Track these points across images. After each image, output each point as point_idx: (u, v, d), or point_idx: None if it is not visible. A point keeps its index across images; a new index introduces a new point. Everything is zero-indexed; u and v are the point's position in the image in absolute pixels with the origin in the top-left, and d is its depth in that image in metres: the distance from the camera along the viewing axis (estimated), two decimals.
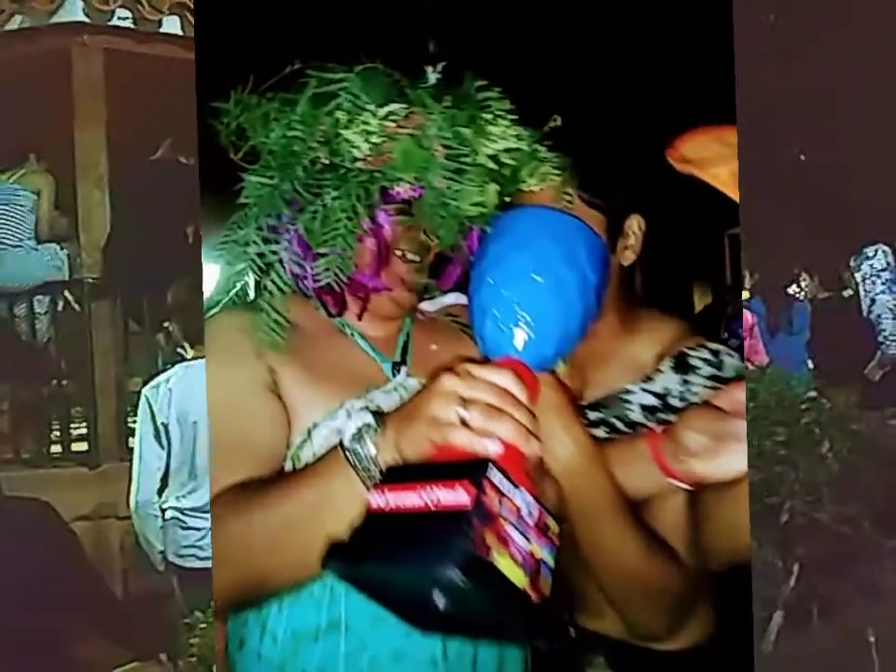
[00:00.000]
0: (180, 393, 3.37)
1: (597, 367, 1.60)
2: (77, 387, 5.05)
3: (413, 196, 1.43)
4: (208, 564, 3.01)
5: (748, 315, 5.02)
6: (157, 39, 5.07)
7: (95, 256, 4.99)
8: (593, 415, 1.56)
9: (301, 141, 1.42)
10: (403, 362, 1.53)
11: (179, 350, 3.83)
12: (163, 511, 3.42)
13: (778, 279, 5.82)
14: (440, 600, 1.05)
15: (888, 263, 5.67)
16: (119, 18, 4.98)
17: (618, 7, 1.75)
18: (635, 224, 1.60)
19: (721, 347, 1.58)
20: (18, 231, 5.04)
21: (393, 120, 1.41)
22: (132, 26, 5.03)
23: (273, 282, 1.43)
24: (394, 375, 1.51)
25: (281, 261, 1.45)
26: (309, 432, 1.42)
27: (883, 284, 5.62)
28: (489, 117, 1.43)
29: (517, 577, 1.09)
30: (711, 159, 1.88)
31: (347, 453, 1.24)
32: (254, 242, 1.42)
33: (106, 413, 4.87)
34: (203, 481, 3.31)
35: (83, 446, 4.85)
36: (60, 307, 5.08)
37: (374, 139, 1.40)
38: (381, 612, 1.21)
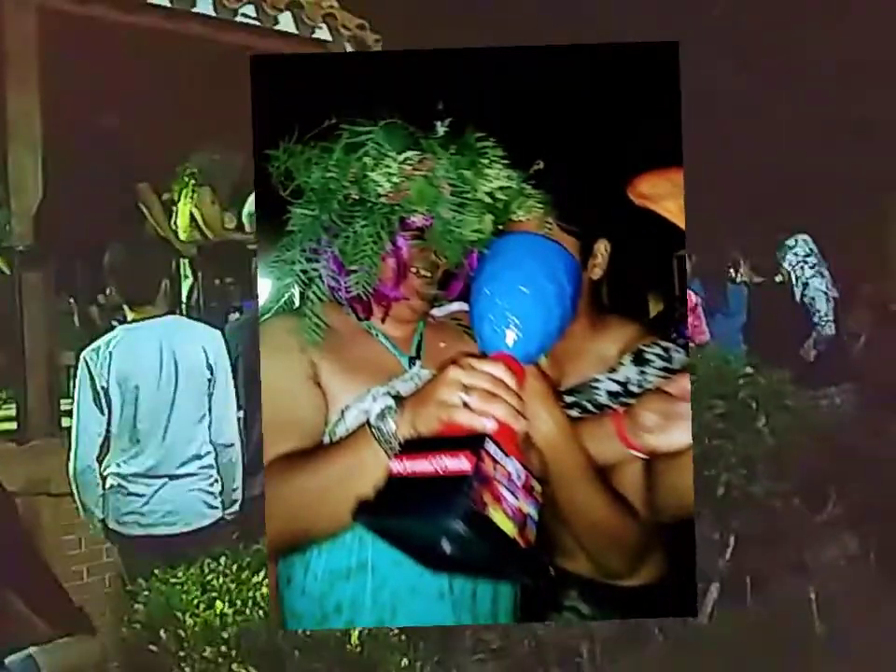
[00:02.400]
0: (120, 356, 2.67)
1: (572, 360, 1.60)
2: (6, 360, 3.92)
3: (425, 224, 1.43)
4: (152, 531, 2.61)
5: (691, 296, 4.33)
6: (96, 0, 3.94)
7: (26, 223, 3.74)
8: (568, 399, 1.56)
9: (336, 181, 1.42)
10: (418, 357, 1.52)
11: (118, 315, 3.08)
12: (104, 477, 2.73)
13: (716, 263, 5.22)
14: (446, 546, 1.05)
15: (810, 250, 5.12)
16: None
17: (588, 75, 1.75)
18: (602, 247, 1.60)
19: (670, 345, 1.58)
20: None
21: (409, 164, 1.41)
22: None
23: (314, 293, 1.44)
24: (410, 367, 1.50)
25: (320, 276, 1.45)
26: (342, 413, 1.42)
27: (811, 268, 5.07)
28: (486, 161, 1.43)
29: (508, 528, 1.09)
30: (663, 195, 1.87)
31: (373, 429, 1.24)
32: (299, 261, 1.43)
33: (36, 387, 3.67)
34: (146, 445, 2.69)
35: (12, 425, 3.71)
36: None
37: (395, 179, 1.40)
38: (399, 556, 1.21)
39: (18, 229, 3.77)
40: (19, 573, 1.77)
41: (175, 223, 4.85)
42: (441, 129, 1.45)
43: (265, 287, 1.51)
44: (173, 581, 1.96)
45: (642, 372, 1.54)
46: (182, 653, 1.73)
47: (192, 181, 4.85)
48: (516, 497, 1.12)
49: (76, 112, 4.18)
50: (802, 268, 5.11)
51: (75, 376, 2.80)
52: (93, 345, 2.75)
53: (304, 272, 1.43)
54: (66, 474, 2.74)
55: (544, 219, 1.49)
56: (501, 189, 1.45)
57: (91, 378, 2.68)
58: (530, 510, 1.15)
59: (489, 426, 1.15)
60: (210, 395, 2.76)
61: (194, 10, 4.23)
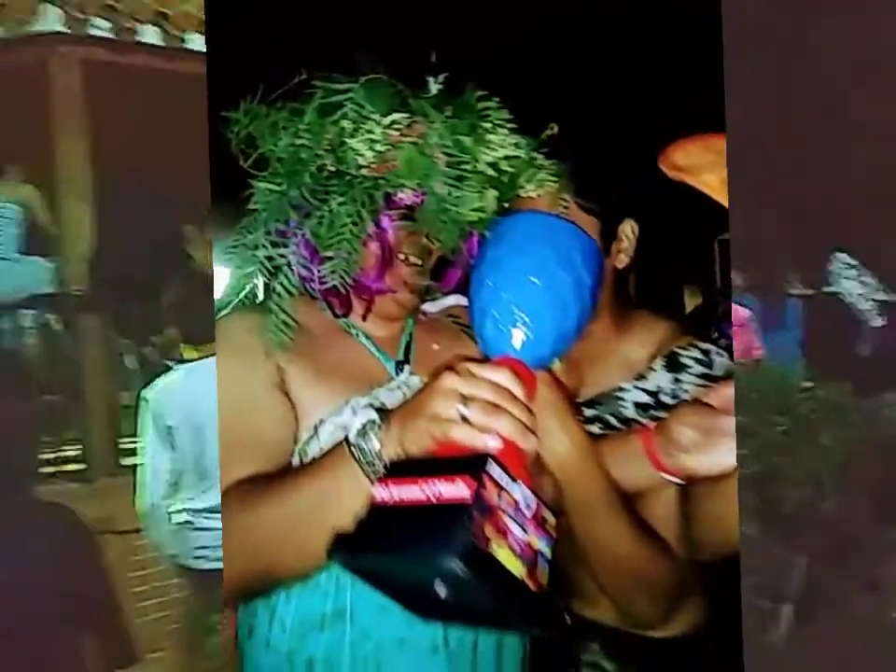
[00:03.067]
0: (185, 394, 3.15)
1: (592, 366, 1.60)
2: (69, 403, 4.65)
3: (415, 202, 1.43)
4: (220, 564, 3.00)
5: (742, 311, 4.90)
6: (136, 50, 4.72)
7: (81, 268, 4.60)
8: (588, 412, 1.56)
9: (308, 149, 1.42)
10: (406, 361, 1.53)
11: (174, 354, 3.60)
12: (173, 514, 3.20)
13: (770, 277, 5.73)
14: (441, 590, 1.05)
15: (847, 264, 5.63)
16: (97, 28, 4.61)
17: (613, 20, 1.74)
18: (628, 228, 1.60)
19: (711, 347, 1.58)
20: (2, 243, 4.79)
21: (396, 129, 1.40)
22: (110, 36, 4.65)
23: (282, 284, 1.43)
24: (397, 374, 1.51)
25: (289, 264, 1.44)
26: (316, 428, 1.42)
27: (850, 280, 5.56)
28: (488, 126, 1.42)
29: (515, 567, 1.09)
30: (701, 166, 1.88)
31: (352, 448, 1.24)
32: (263, 245, 1.42)
33: (98, 428, 4.48)
34: (214, 481, 3.05)
35: (79, 466, 4.45)
36: (46, 321, 4.80)
37: (378, 147, 1.40)
38: (385, 601, 1.21)
39: (72, 273, 4.56)
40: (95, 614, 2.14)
41: None
42: (434, 86, 1.45)
43: (222, 278, 1.51)
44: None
45: (677, 380, 1.54)
46: None
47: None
48: (525, 531, 1.12)
49: (123, 158, 4.78)
50: (839, 282, 5.60)
51: (134, 416, 3.32)
52: (155, 385, 3.21)
53: (269, 258, 1.43)
54: (133, 511, 3.21)
55: (559, 195, 1.49)
56: (507, 158, 1.44)
57: (155, 417, 3.12)
58: (541, 545, 1.14)
59: (492, 444, 1.15)
60: None
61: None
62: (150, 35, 4.73)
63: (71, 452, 4.53)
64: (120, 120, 4.67)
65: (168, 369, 3.34)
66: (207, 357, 3.14)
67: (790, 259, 6.05)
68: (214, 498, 3.01)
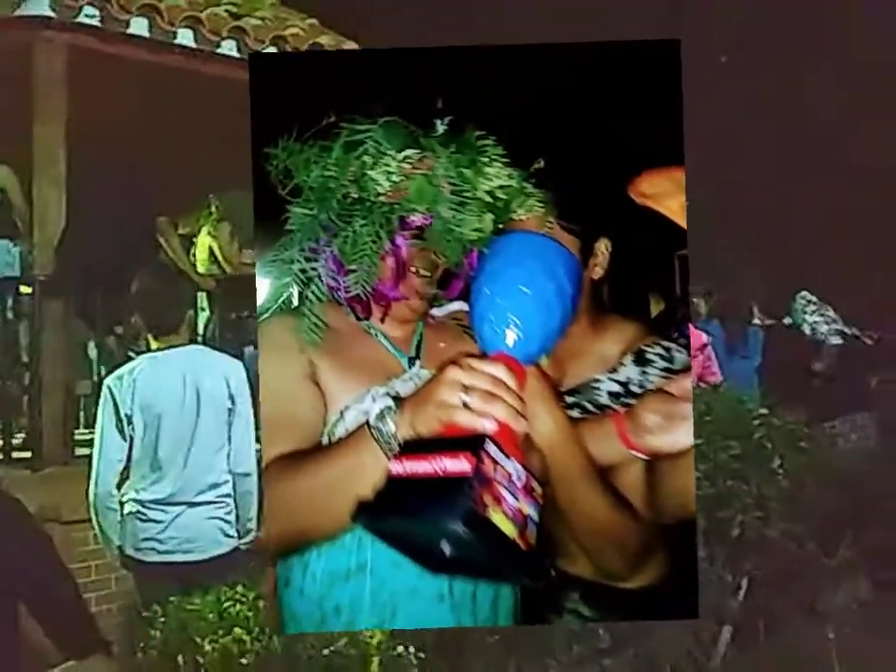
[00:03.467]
0: (144, 384, 2.74)
1: (573, 361, 1.60)
2: (22, 389, 3.98)
3: (425, 223, 1.43)
4: (167, 558, 2.69)
5: (701, 335, 4.40)
6: (123, 40, 4.12)
7: (48, 253, 3.89)
8: (569, 399, 1.56)
9: (335, 179, 1.42)
10: (417, 357, 1.52)
11: (138, 345, 3.14)
12: (122, 504, 2.78)
13: (735, 305, 5.38)
14: (446, 548, 1.05)
15: (808, 301, 5.50)
16: (86, 15, 3.98)
17: (589, 72, 1.75)
18: (603, 246, 1.60)
19: (672, 345, 1.57)
20: None
21: (409, 163, 1.40)
22: (98, 24, 4.01)
23: (313, 292, 1.43)
24: (410, 367, 1.50)
25: (319, 276, 1.44)
26: (342, 413, 1.42)
27: (812, 314, 5.45)
28: (486, 160, 1.42)
29: (509, 529, 1.09)
30: (664, 194, 1.87)
31: (372, 430, 1.24)
32: (297, 260, 1.42)
33: (52, 416, 3.77)
34: (166, 473, 2.75)
35: (27, 454, 3.79)
36: (10, 304, 4.03)
37: (394, 178, 1.40)
38: (399, 557, 1.21)
39: (40, 258, 3.91)
40: (41, 597, 1.78)
41: (193, 256, 5.02)
42: (440, 127, 1.45)
43: (263, 287, 1.51)
44: (190, 607, 1.99)
45: (643, 373, 1.54)
46: None
47: (213, 216, 5.01)
48: (516, 499, 1.12)
49: (101, 146, 4.32)
50: (804, 316, 5.49)
51: (91, 405, 2.94)
52: (117, 373, 2.82)
53: (303, 271, 1.43)
54: (83, 501, 2.80)
55: (545, 218, 1.49)
56: (501, 187, 1.44)
57: (115, 405, 2.73)
58: (531, 511, 1.14)
59: (489, 426, 1.15)
60: (230, 424, 2.81)
61: (219, 52, 4.36)
62: (139, 26, 4.15)
63: (20, 439, 4.00)
64: (101, 109, 4.18)
65: (130, 359, 2.95)
66: (170, 347, 2.81)
67: (752, 290, 5.81)
68: (164, 490, 2.74)
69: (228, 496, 2.83)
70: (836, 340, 5.27)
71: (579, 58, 1.73)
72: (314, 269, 1.44)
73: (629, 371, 1.56)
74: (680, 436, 1.31)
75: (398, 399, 1.28)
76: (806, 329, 5.41)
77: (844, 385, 5.07)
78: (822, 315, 5.40)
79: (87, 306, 4.18)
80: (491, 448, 1.12)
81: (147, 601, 2.43)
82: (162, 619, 2.00)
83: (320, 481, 1.28)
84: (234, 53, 4.40)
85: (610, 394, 1.56)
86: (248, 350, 3.39)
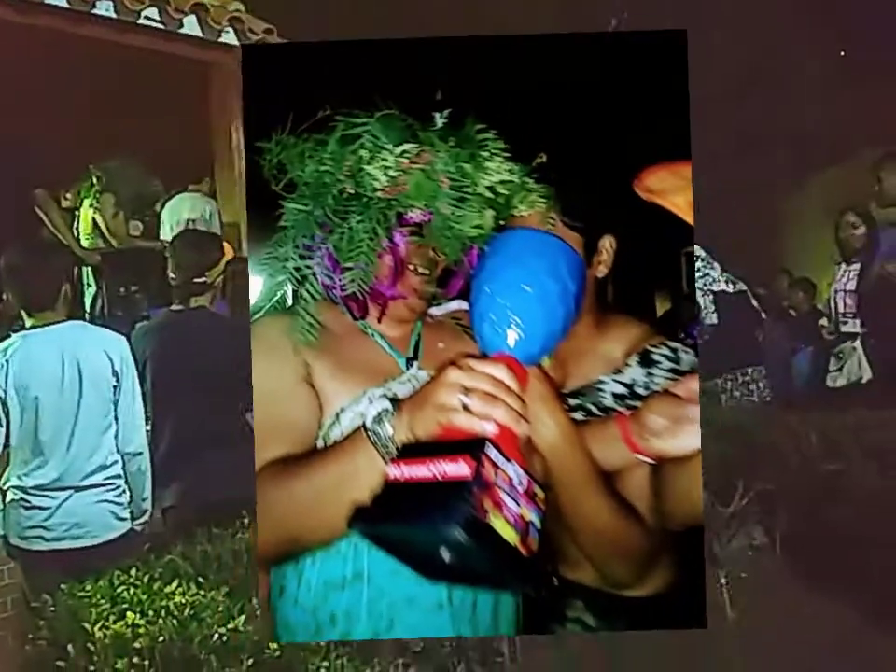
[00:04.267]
0: (19, 364, 2.62)
1: (576, 362, 1.60)
2: None
3: (423, 220, 1.43)
4: (56, 545, 2.62)
5: None
6: (40, 11, 4.05)
7: None
8: (572, 402, 1.56)
9: (330, 174, 1.42)
10: (415, 357, 1.52)
11: (15, 324, 2.96)
12: (3, 492, 2.70)
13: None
14: (446, 555, 1.05)
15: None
16: None
17: (593, 63, 1.75)
18: (607, 243, 1.60)
19: (678, 345, 1.57)
20: None
21: (407, 157, 1.40)
22: None
23: (308, 291, 1.43)
24: (408, 368, 1.50)
25: (314, 274, 1.44)
26: (337, 415, 1.42)
27: (697, 271, 5.28)
28: (487, 154, 1.42)
29: (510, 535, 1.09)
30: (670, 189, 1.88)
31: (369, 433, 1.24)
32: (292, 258, 1.42)
33: None
34: (49, 457, 2.65)
35: None
36: None
37: (392, 173, 1.40)
38: (397, 565, 1.21)
39: None
40: None
41: (76, 230, 4.91)
42: (439, 120, 1.45)
43: (256, 285, 1.51)
44: (80, 594, 1.95)
45: (649, 374, 1.54)
46: (92, 667, 1.71)
47: (95, 188, 4.91)
48: (518, 504, 1.12)
49: None
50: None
51: None
52: None
53: (297, 269, 1.43)
54: None
55: (547, 215, 1.49)
56: (502, 183, 1.44)
57: None
58: (532, 517, 1.14)
59: (490, 429, 1.15)
60: (116, 402, 2.75)
61: (94, 12, 4.31)
62: None
63: None
64: None
65: (6, 338, 2.79)
66: (46, 325, 2.69)
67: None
68: (48, 475, 2.66)
69: (118, 476, 2.76)
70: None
71: (582, 48, 1.73)
72: (308, 267, 1.44)
73: (634, 373, 1.55)
74: (687, 439, 1.31)
75: (395, 402, 1.27)
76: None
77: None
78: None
79: None
80: (491, 452, 1.12)
81: (37, 591, 2.31)
82: (52, 608, 1.95)
83: (315, 486, 1.28)
84: (112, 14, 4.37)
85: (615, 396, 1.56)
86: (137, 326, 3.29)
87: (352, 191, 1.43)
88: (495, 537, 1.07)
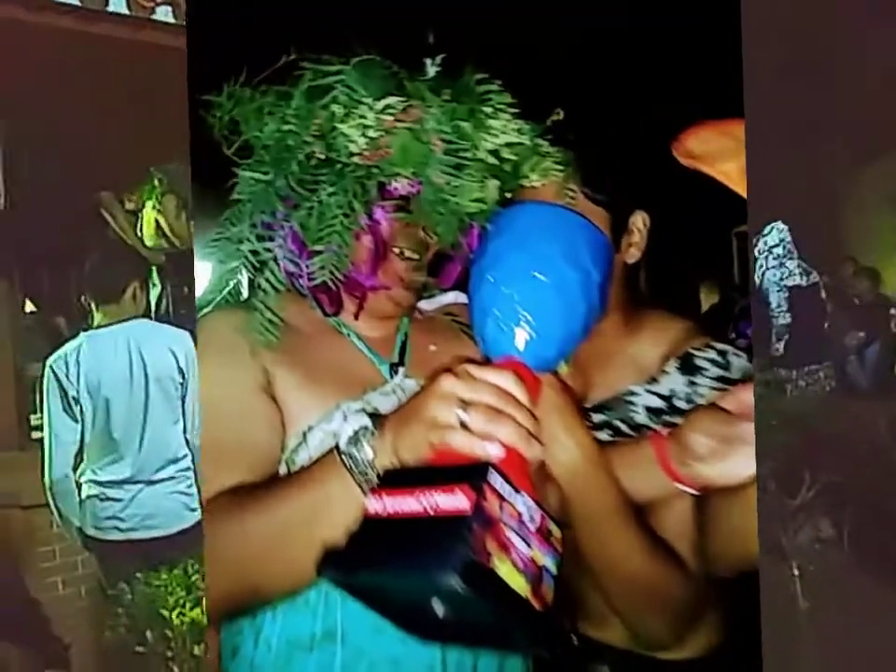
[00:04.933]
0: (88, 364, 3.31)
1: (601, 368, 1.60)
2: None
3: (411, 192, 1.43)
4: (131, 535, 3.34)
5: None
6: (46, 7, 4.49)
7: None
8: (596, 417, 1.56)
9: (295, 135, 1.42)
10: (401, 363, 1.53)
11: (85, 326, 3.67)
12: (80, 486, 3.37)
13: None
14: (439, 608, 1.05)
15: (780, 240, 5.80)
16: None
17: None
18: (639, 221, 1.60)
19: (728, 348, 1.57)
20: None
21: (390, 114, 1.40)
22: None
23: (268, 280, 1.43)
24: (391, 376, 1.50)
25: (275, 259, 1.44)
26: (304, 435, 1.42)
27: (774, 259, 5.77)
28: (489, 110, 1.42)
29: (518, 584, 1.09)
30: (718, 153, 1.88)
31: (343, 456, 1.24)
32: (247, 239, 1.42)
33: (3, 400, 4.47)
34: (122, 455, 3.32)
35: None
36: None
37: (371, 133, 1.40)
38: (378, 621, 1.21)
39: None
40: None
41: (140, 231, 5.63)
42: (431, 68, 1.46)
43: (204, 273, 1.51)
44: (156, 583, 2.44)
45: (692, 383, 1.54)
46: (170, 653, 2.14)
47: (157, 190, 5.59)
48: (528, 545, 1.12)
49: (35, 122, 4.73)
50: (766, 258, 5.77)
51: (42, 387, 3.41)
52: (58, 353, 3.34)
53: (254, 252, 1.43)
54: (40, 485, 3.34)
55: (565, 185, 1.49)
56: (509, 145, 1.44)
57: (61, 387, 3.28)
58: (546, 561, 1.14)
59: (493, 452, 1.15)
60: (183, 397, 3.39)
61: (153, 18, 4.85)
62: None
63: None
64: (33, 82, 4.53)
65: (75, 337, 3.44)
66: (112, 323, 3.36)
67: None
68: (122, 471, 3.31)
69: (188, 469, 3.40)
70: (783, 317, 5.66)
71: None
72: (268, 250, 1.44)
73: (673, 381, 1.56)
74: (739, 463, 1.31)
75: (376, 418, 1.28)
76: (758, 278, 5.68)
77: (800, 333, 5.58)
78: (778, 261, 5.69)
79: (34, 286, 4.82)
80: (496, 480, 1.12)
81: (113, 580, 3.06)
82: (129, 596, 2.45)
83: (276, 522, 1.28)
84: (170, 19, 4.89)
85: (649, 410, 1.56)
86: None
87: (322, 157, 1.43)
88: (500, 585, 1.07)
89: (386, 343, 1.55)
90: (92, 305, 3.45)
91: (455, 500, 1.09)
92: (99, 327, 3.39)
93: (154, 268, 5.34)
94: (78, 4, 4.65)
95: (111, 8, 4.76)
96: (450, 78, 1.44)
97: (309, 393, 1.45)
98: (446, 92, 1.42)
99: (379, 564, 1.11)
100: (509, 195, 1.48)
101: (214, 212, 1.47)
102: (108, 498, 3.31)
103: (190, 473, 3.41)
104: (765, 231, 5.85)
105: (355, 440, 1.24)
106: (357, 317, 1.52)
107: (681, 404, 1.53)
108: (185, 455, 3.40)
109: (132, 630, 2.34)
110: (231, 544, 1.32)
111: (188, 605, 2.24)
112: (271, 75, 1.43)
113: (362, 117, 1.40)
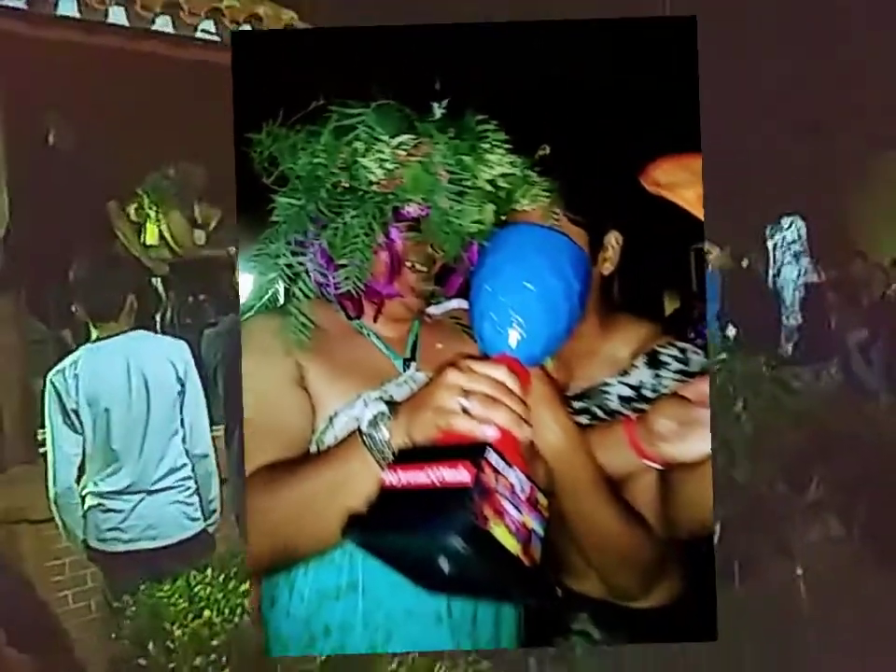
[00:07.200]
0: (87, 377, 2.84)
1: (581, 363, 1.60)
2: None
3: (421, 215, 1.43)
4: (133, 546, 2.83)
5: None
6: (51, 24, 4.00)
7: None
8: (577, 405, 1.56)
9: (324, 167, 1.42)
10: (413, 358, 1.52)
11: (85, 331, 3.15)
12: (83, 497, 2.90)
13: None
14: (444, 565, 1.05)
15: (799, 236, 5.26)
16: None
17: (598, 52, 1.74)
18: (613, 239, 1.59)
19: (687, 346, 1.57)
20: None
21: (404, 149, 1.40)
22: (25, 7, 3.86)
23: (300, 289, 1.43)
24: (405, 370, 1.50)
25: (307, 271, 1.44)
26: (331, 419, 1.42)
27: (792, 255, 5.25)
28: (487, 146, 1.42)
29: (511, 544, 1.09)
30: (679, 183, 1.88)
31: (364, 437, 1.24)
32: (283, 254, 1.42)
33: (11, 415, 3.85)
34: (122, 464, 2.86)
35: None
36: None
37: (388, 165, 1.40)
38: (393, 576, 1.21)
39: None
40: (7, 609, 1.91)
41: (143, 241, 5.12)
42: (438, 110, 1.45)
43: (246, 284, 1.51)
44: (159, 594, 2.12)
45: (657, 376, 1.54)
46: (172, 665, 1.86)
47: (157, 198, 5.10)
48: (520, 512, 1.12)
49: (36, 135, 4.42)
50: (784, 252, 5.30)
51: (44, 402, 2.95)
52: (58, 367, 2.89)
53: (289, 266, 1.43)
54: (46, 499, 2.91)
55: (550, 209, 1.48)
56: (504, 175, 1.44)
57: (61, 400, 2.83)
58: (535, 525, 1.14)
59: (490, 433, 1.15)
60: (182, 407, 2.95)
61: (150, 27, 4.36)
62: (66, 6, 4.03)
63: None
64: (32, 95, 4.12)
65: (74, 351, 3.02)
66: (110, 336, 2.89)
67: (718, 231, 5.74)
68: (122, 481, 2.86)
69: (188, 478, 2.96)
70: (794, 318, 5.18)
71: (587, 36, 1.73)
72: (301, 263, 1.44)
73: (641, 374, 1.55)
74: (697, 444, 1.31)
75: (391, 404, 1.27)
76: (773, 272, 5.24)
77: (810, 331, 5.15)
78: (794, 257, 5.23)
79: (39, 301, 4.24)
80: (492, 457, 1.12)
81: (118, 592, 2.56)
82: (133, 608, 2.14)
83: (308, 492, 1.28)
84: (169, 29, 4.41)
85: (621, 398, 1.55)
86: (206, 332, 3.50)
87: (346, 185, 1.43)
88: (495, 546, 1.07)
89: (400, 342, 1.54)
90: (88, 319, 2.98)
91: (458, 474, 1.09)
92: (98, 340, 2.92)
93: (158, 278, 4.77)
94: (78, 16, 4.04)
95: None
96: (454, 119, 1.44)
97: (335, 384, 1.44)
98: (451, 131, 1.42)
99: (394, 528, 1.11)
100: (503, 217, 1.48)
101: (255, 232, 1.47)
102: (109, 510, 2.87)
103: (191, 482, 2.97)
104: (785, 225, 5.32)
105: (374, 423, 1.24)
106: (375, 320, 1.52)
107: (648, 393, 1.53)
108: (184, 465, 2.96)
109: (134, 642, 2.02)
110: (269, 510, 1.32)
111: (190, 616, 1.97)
112: (303, 116, 1.43)
113: (380, 152, 1.40)
